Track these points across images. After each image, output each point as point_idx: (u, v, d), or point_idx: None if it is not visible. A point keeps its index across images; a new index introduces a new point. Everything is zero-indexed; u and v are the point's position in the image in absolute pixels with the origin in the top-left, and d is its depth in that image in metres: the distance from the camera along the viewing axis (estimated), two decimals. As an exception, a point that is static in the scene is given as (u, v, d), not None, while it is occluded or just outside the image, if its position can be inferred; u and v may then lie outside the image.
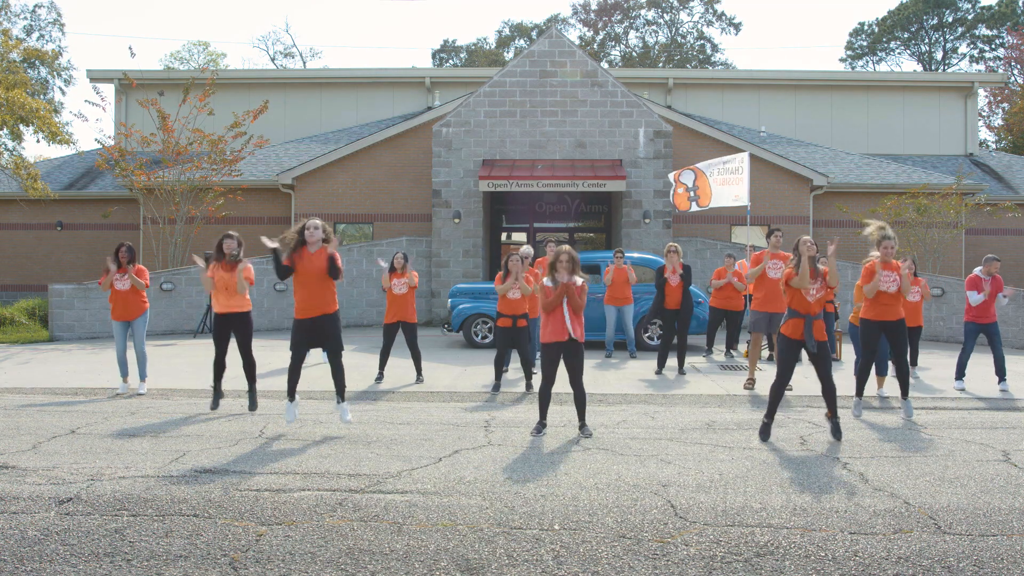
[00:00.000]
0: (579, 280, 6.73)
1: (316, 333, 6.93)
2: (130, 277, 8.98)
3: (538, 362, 10.35)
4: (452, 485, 5.25)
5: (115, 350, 9.21)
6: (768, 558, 4.04)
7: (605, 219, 20.81)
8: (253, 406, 7.99)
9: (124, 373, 9.18)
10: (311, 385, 9.25)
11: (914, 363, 10.39)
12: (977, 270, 9.63)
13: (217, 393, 8.11)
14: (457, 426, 7.23)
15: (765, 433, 6.72)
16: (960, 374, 9.56)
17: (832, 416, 6.79)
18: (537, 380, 9.13)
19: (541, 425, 6.95)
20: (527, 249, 10.45)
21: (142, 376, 9.18)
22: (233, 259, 8.09)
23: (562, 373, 6.96)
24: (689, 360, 11.49)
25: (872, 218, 18.66)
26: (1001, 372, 9.43)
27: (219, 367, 8.15)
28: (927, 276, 16.26)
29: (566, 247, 6.83)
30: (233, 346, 8.12)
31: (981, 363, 10.51)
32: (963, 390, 9.36)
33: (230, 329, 8.13)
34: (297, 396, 7.18)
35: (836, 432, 6.71)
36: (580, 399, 6.97)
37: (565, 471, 5.61)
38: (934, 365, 11.51)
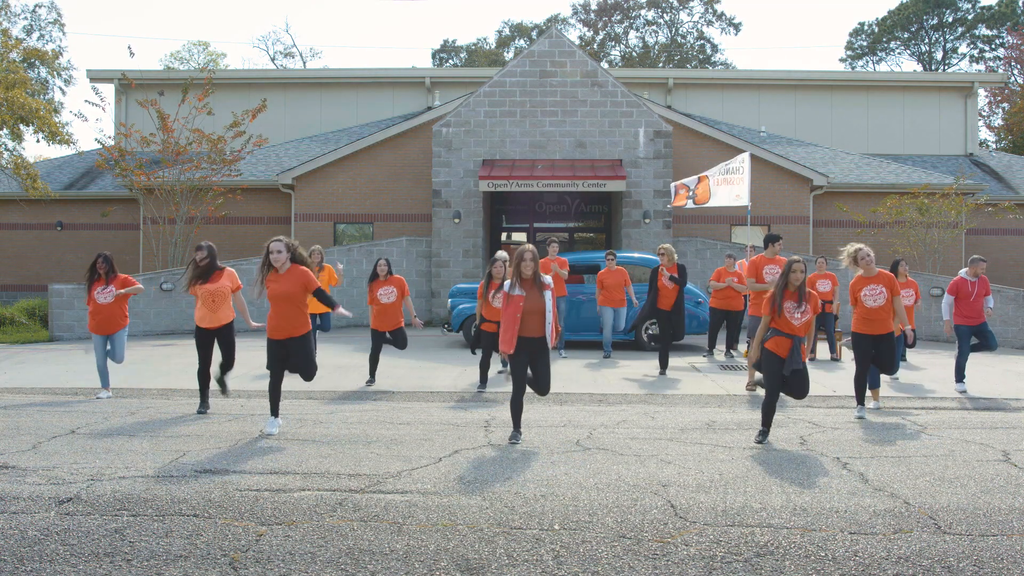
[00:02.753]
0: (548, 279, 6.63)
1: (287, 356, 6.76)
2: (114, 292, 8.65)
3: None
4: (452, 485, 5.25)
5: (95, 361, 8.87)
6: (768, 558, 4.04)
7: (605, 219, 20.81)
8: (223, 390, 8.02)
9: (105, 383, 8.88)
10: (311, 385, 9.24)
11: (903, 358, 10.35)
12: (962, 272, 9.57)
13: (204, 401, 7.90)
14: (457, 426, 7.23)
15: (761, 437, 6.63)
16: (960, 377, 9.48)
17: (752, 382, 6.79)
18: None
19: (516, 435, 6.59)
20: (502, 254, 10.32)
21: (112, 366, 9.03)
22: (210, 269, 7.86)
23: (558, 374, 6.89)
24: (689, 360, 11.49)
25: (873, 219, 18.68)
26: (960, 373, 9.40)
27: (204, 378, 7.93)
28: (927, 276, 16.27)
29: (528, 245, 6.64)
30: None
31: (984, 363, 10.50)
32: (964, 392, 9.31)
33: (214, 339, 7.97)
34: (280, 414, 6.98)
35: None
36: (541, 387, 6.76)
37: (565, 471, 5.61)
38: (933, 365, 11.51)
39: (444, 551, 4.11)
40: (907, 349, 10.51)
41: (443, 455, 6.07)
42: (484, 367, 9.39)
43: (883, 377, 9.09)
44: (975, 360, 9.91)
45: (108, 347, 8.85)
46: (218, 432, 6.94)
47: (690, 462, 5.90)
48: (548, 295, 6.55)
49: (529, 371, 6.70)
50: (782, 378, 6.72)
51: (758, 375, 9.51)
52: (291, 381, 9.30)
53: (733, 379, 10.18)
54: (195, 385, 8.94)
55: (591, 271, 13.94)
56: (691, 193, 15.40)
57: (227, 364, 8.06)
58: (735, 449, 6.37)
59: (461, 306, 13.48)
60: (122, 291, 8.71)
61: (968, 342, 9.55)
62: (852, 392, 8.28)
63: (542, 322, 6.53)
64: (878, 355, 7.83)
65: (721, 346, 13.28)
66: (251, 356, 11.27)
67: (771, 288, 9.18)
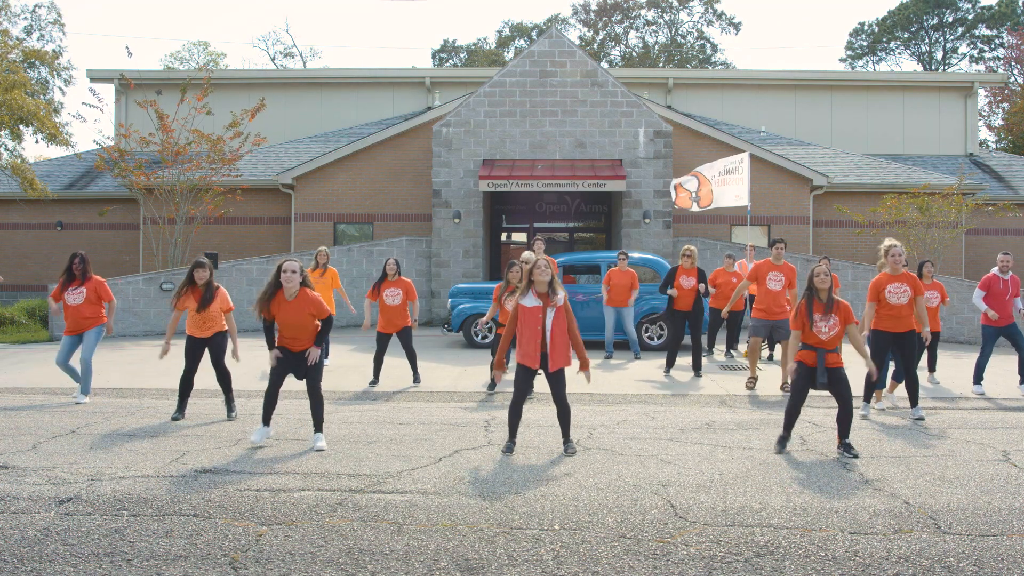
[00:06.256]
0: (560, 297, 6.15)
1: (297, 364, 6.49)
2: (86, 297, 8.39)
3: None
4: (452, 485, 5.25)
5: (56, 359, 8.54)
6: (768, 558, 4.04)
7: (605, 219, 20.81)
8: (231, 414, 7.68)
9: (76, 378, 8.68)
10: (311, 385, 9.23)
11: (932, 369, 10.05)
12: (995, 269, 9.37)
13: (180, 411, 7.66)
14: (457, 426, 7.23)
15: (781, 445, 6.34)
16: (978, 378, 9.37)
17: (842, 441, 6.26)
18: (539, 382, 9.12)
19: (511, 444, 6.23)
20: (529, 255, 10.38)
21: (84, 390, 8.56)
22: (208, 291, 7.61)
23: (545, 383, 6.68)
24: (690, 360, 11.46)
25: (873, 219, 18.68)
26: (979, 375, 9.27)
27: (186, 384, 7.73)
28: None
29: (541, 259, 6.20)
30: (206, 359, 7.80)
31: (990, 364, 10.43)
32: (982, 395, 9.16)
33: (204, 347, 7.78)
34: (272, 423, 6.63)
35: (851, 452, 6.20)
36: (564, 414, 6.30)
37: (565, 471, 5.61)
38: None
39: (444, 551, 4.10)
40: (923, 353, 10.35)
41: (443, 455, 6.07)
42: (495, 368, 9.28)
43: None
44: (972, 361, 9.86)
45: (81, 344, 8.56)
46: (218, 432, 6.94)
47: (690, 462, 5.90)
48: (550, 313, 6.16)
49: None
50: (807, 388, 6.37)
51: (758, 372, 9.51)
52: (292, 381, 9.31)
53: (733, 379, 10.18)
54: (194, 386, 8.92)
55: (590, 272, 13.94)
56: (694, 196, 15.40)
57: (223, 379, 7.76)
58: (735, 449, 6.37)
59: (461, 306, 13.47)
60: (100, 293, 8.47)
61: (993, 344, 9.35)
62: (862, 397, 8.29)
63: (549, 342, 6.14)
64: (902, 353, 7.73)
65: (721, 346, 13.29)
66: (253, 356, 11.26)
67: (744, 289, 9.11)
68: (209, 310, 7.66)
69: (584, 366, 6.33)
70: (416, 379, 9.63)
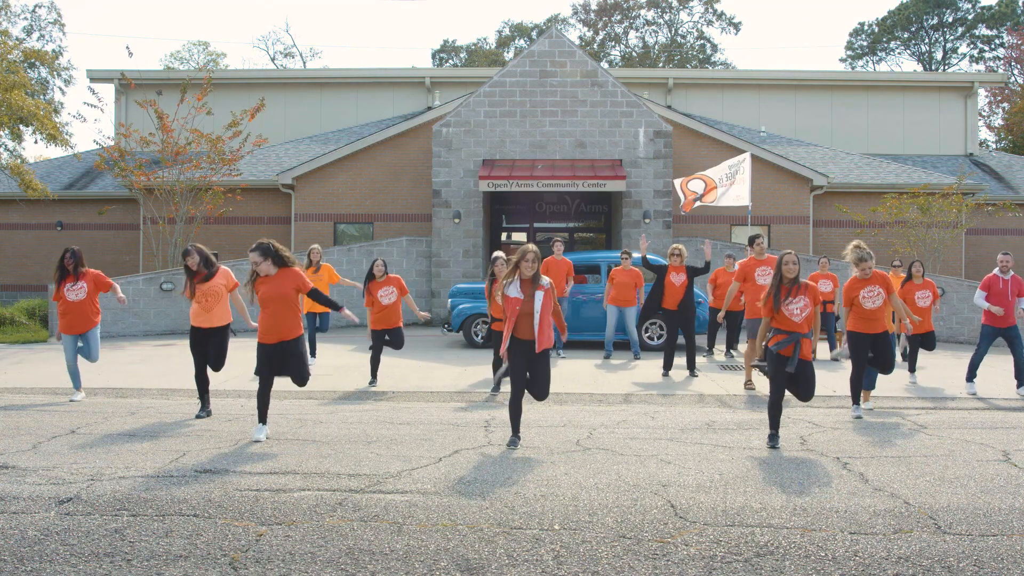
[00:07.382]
0: (546, 281, 6.43)
1: (279, 361, 6.62)
2: (88, 292, 8.36)
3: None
4: (452, 485, 5.25)
5: (65, 362, 8.58)
6: (768, 558, 4.04)
7: (605, 219, 20.81)
8: (202, 411, 7.66)
9: (77, 385, 8.66)
10: (311, 384, 9.23)
11: (912, 369, 10.01)
12: (995, 270, 9.36)
13: (204, 409, 7.72)
14: (457, 426, 7.23)
15: (773, 442, 6.44)
16: (971, 376, 9.35)
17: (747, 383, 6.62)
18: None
19: (515, 439, 6.42)
20: (501, 253, 10.38)
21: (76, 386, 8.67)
22: (208, 271, 7.65)
23: (558, 374, 6.81)
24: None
25: (873, 219, 18.68)
26: (1021, 377, 9.21)
27: (202, 381, 7.77)
28: (928, 276, 16.25)
29: (531, 245, 6.47)
30: None
31: (985, 363, 10.45)
32: (975, 394, 9.15)
33: (208, 341, 7.76)
34: (280, 415, 6.79)
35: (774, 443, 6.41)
36: (541, 397, 6.60)
37: (565, 471, 5.61)
38: (933, 365, 11.50)
39: (444, 551, 4.10)
40: (919, 351, 10.29)
41: (443, 455, 6.07)
42: (497, 369, 9.32)
43: (883, 376, 9.07)
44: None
45: (80, 345, 8.59)
46: (218, 432, 6.94)
47: (690, 462, 5.90)
48: (539, 295, 6.33)
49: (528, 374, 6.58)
50: (787, 377, 6.48)
51: (755, 372, 9.52)
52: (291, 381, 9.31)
53: (733, 379, 10.18)
54: (195, 385, 8.92)
55: (590, 271, 13.94)
56: (697, 196, 15.42)
57: (214, 364, 7.77)
58: (735, 449, 6.37)
59: (461, 306, 13.47)
60: (101, 283, 8.48)
61: (989, 343, 9.31)
62: (851, 402, 8.31)
63: (538, 325, 6.37)
64: (877, 354, 7.80)
65: (721, 346, 13.29)
66: (252, 356, 11.27)
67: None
68: (211, 285, 7.65)
69: (563, 331, 6.97)
70: (398, 345, 9.68)
